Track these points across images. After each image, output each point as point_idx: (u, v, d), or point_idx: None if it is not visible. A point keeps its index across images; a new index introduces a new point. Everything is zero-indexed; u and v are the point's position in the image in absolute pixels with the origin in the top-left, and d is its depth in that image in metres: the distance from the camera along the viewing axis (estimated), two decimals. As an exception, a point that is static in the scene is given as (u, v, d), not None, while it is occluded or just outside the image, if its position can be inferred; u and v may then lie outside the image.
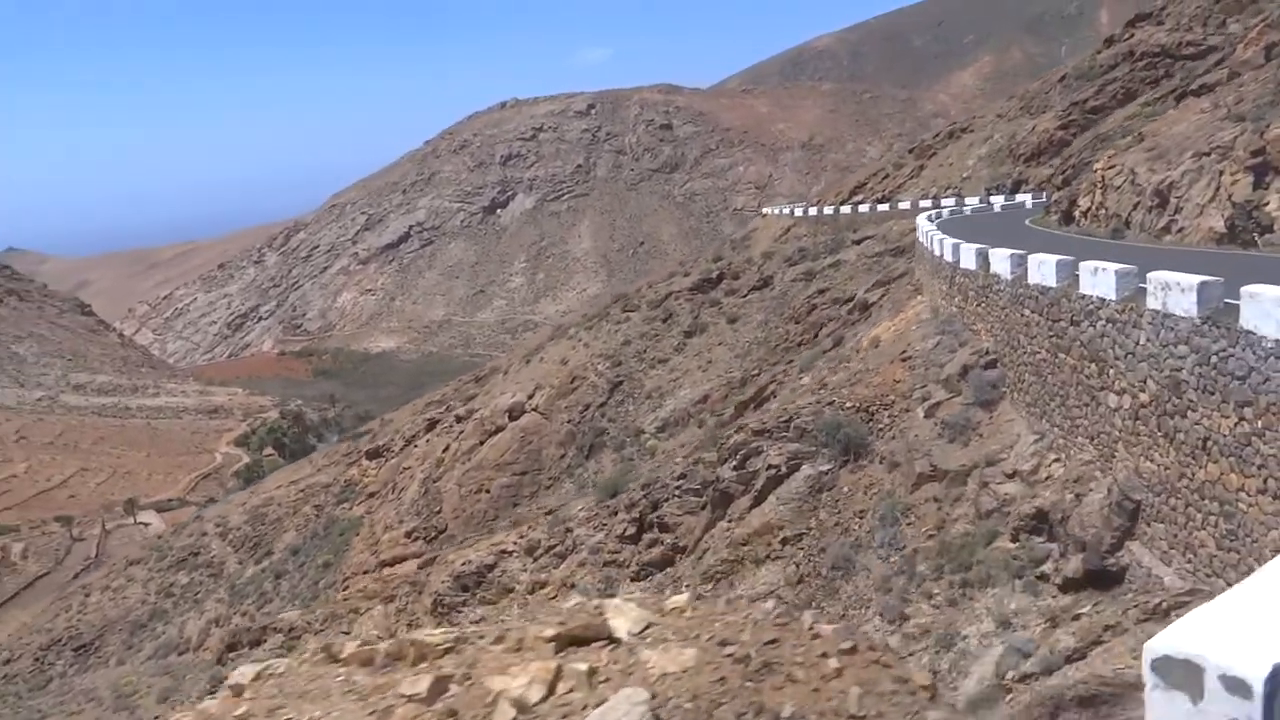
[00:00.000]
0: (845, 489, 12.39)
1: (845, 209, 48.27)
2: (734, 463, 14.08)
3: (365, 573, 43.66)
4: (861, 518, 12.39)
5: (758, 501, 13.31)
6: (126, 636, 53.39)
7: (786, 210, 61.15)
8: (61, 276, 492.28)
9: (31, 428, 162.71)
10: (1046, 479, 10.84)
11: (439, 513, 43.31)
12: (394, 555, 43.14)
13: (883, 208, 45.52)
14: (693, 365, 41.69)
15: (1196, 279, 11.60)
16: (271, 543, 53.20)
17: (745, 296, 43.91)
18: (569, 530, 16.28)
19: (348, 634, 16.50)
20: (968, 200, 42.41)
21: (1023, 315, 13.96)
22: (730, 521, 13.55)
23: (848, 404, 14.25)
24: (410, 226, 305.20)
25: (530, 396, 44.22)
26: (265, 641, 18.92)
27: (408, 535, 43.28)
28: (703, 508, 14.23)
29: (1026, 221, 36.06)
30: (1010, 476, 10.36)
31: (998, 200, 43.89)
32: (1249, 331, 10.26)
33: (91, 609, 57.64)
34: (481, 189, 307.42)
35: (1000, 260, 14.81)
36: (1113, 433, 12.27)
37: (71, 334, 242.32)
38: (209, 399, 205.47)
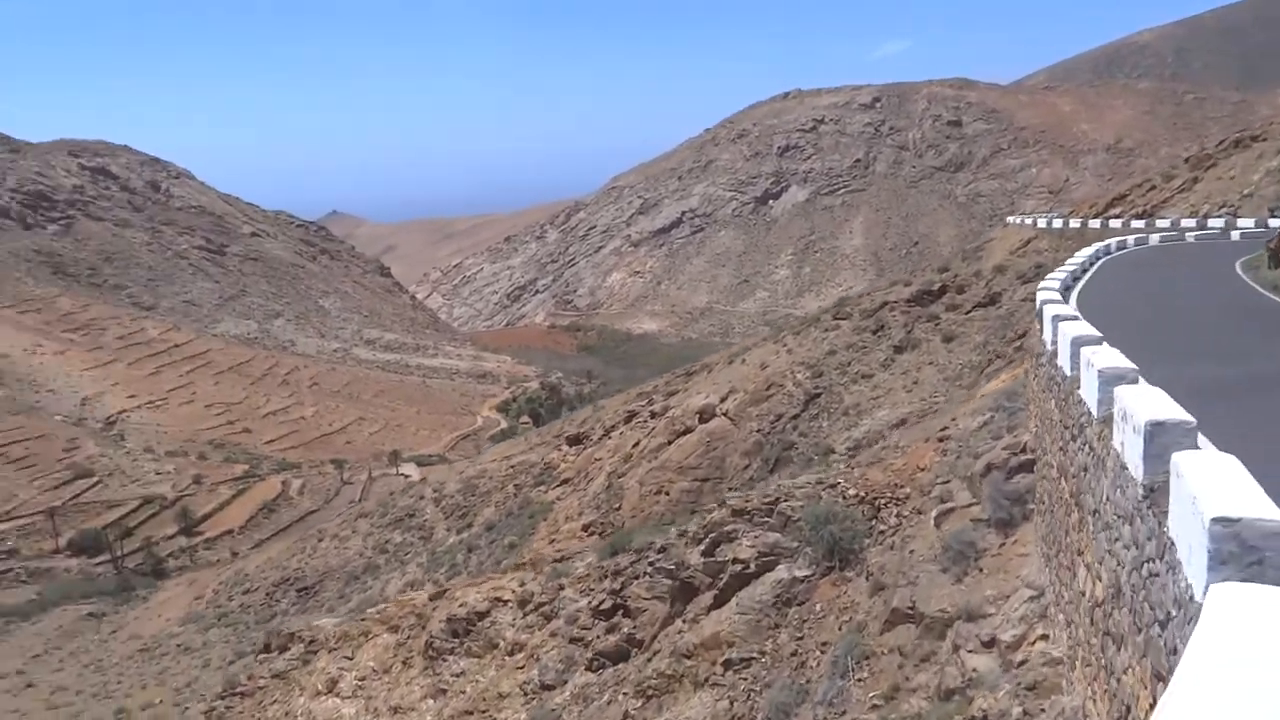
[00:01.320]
0: (818, 606, 9.74)
1: (1095, 223, 42.51)
2: (703, 547, 11.71)
3: (541, 559, 43.74)
4: (824, 651, 9.70)
5: (719, 602, 10.89)
6: (341, 586, 56.84)
7: (1029, 220, 55.18)
8: (372, 240, 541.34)
9: (324, 375, 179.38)
10: (1023, 663, 7.67)
11: (618, 509, 42.48)
12: (568, 549, 42.79)
13: (1138, 224, 39.54)
14: (897, 384, 38.21)
15: (1152, 410, 6.58)
16: (474, 515, 54.65)
17: (968, 313, 39.74)
18: (561, 588, 14.50)
19: (350, 659, 15.82)
20: (1240, 222, 35.84)
21: (1048, 407, 10.09)
22: (685, 622, 11.24)
23: (851, 490, 11.42)
24: (683, 212, 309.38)
25: (723, 400, 42.38)
26: (289, 650, 18.68)
27: (585, 529, 42.81)
28: (668, 596, 12.01)
29: (1237, 264, 25.41)
30: (988, 645, 7.44)
31: (1256, 224, 36.48)
32: (1171, 540, 5.62)
33: (319, 554, 62.08)
34: (756, 179, 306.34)
35: (1048, 319, 10.60)
36: (1079, 629, 7.85)
37: (370, 293, 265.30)
38: (480, 364, 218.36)
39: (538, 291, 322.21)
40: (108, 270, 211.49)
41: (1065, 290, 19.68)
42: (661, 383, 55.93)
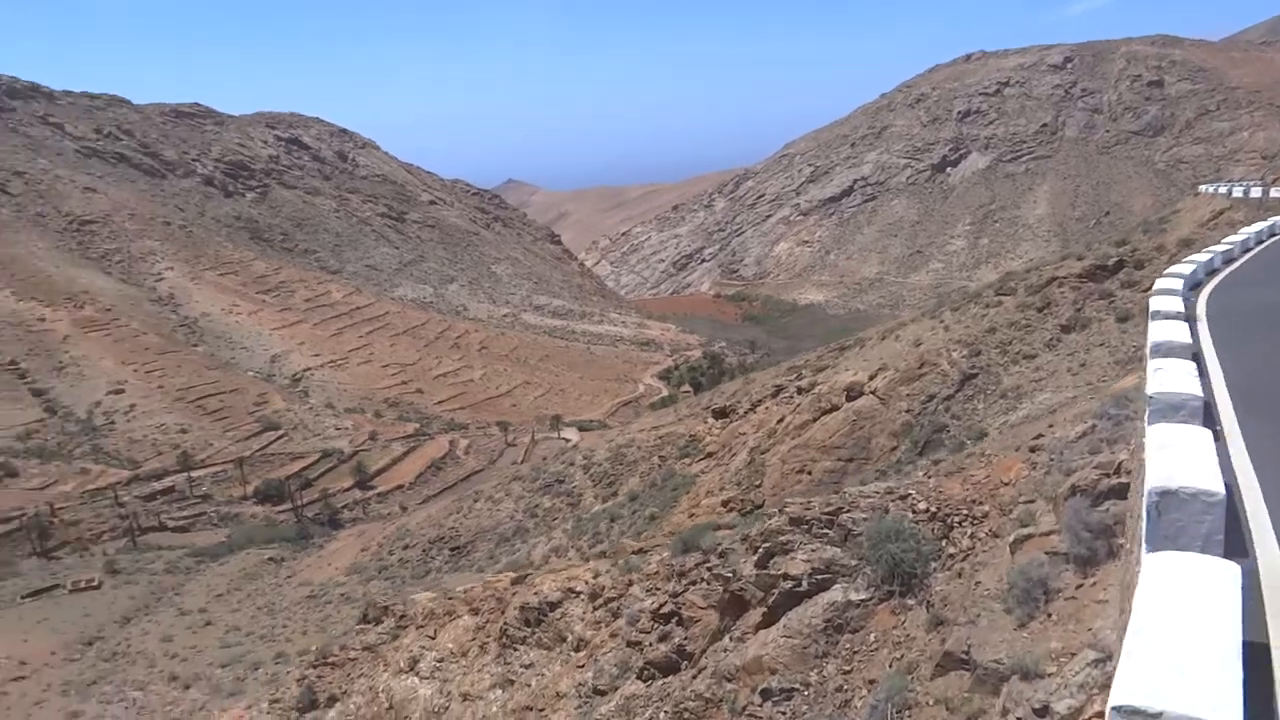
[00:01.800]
0: (872, 637, 8.37)
1: (1301, 193, 37.89)
2: (757, 557, 10.44)
3: (677, 533, 43.22)
4: (872, 689, 8.30)
5: (768, 621, 9.63)
6: (492, 547, 58.16)
7: (1223, 189, 49.85)
8: (546, 207, 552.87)
9: (493, 340, 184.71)
10: (1075, 744, 6.19)
11: (758, 487, 41.41)
12: (707, 524, 42.10)
13: (1356, 195, 34.92)
14: (1062, 366, 35.51)
15: (1166, 472, 5.61)
16: (620, 484, 54.70)
17: (1145, 291, 36.41)
18: (630, 584, 13.55)
19: (432, 639, 15.46)
20: None
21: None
22: (732, 640, 10.05)
23: (922, 504, 9.83)
24: (854, 181, 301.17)
25: (872, 377, 40.51)
26: (382, 623, 18.58)
27: (724, 505, 41.97)
28: (719, 608, 10.83)
29: None
30: (1040, 715, 6.04)
31: None
32: None
33: (474, 514, 63.76)
34: (932, 145, 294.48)
35: (1152, 319, 8.91)
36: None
37: (540, 260, 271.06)
38: (644, 331, 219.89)
39: (704, 260, 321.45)
40: (299, 235, 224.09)
41: (1202, 279, 17.08)
42: (813, 357, 54.24)
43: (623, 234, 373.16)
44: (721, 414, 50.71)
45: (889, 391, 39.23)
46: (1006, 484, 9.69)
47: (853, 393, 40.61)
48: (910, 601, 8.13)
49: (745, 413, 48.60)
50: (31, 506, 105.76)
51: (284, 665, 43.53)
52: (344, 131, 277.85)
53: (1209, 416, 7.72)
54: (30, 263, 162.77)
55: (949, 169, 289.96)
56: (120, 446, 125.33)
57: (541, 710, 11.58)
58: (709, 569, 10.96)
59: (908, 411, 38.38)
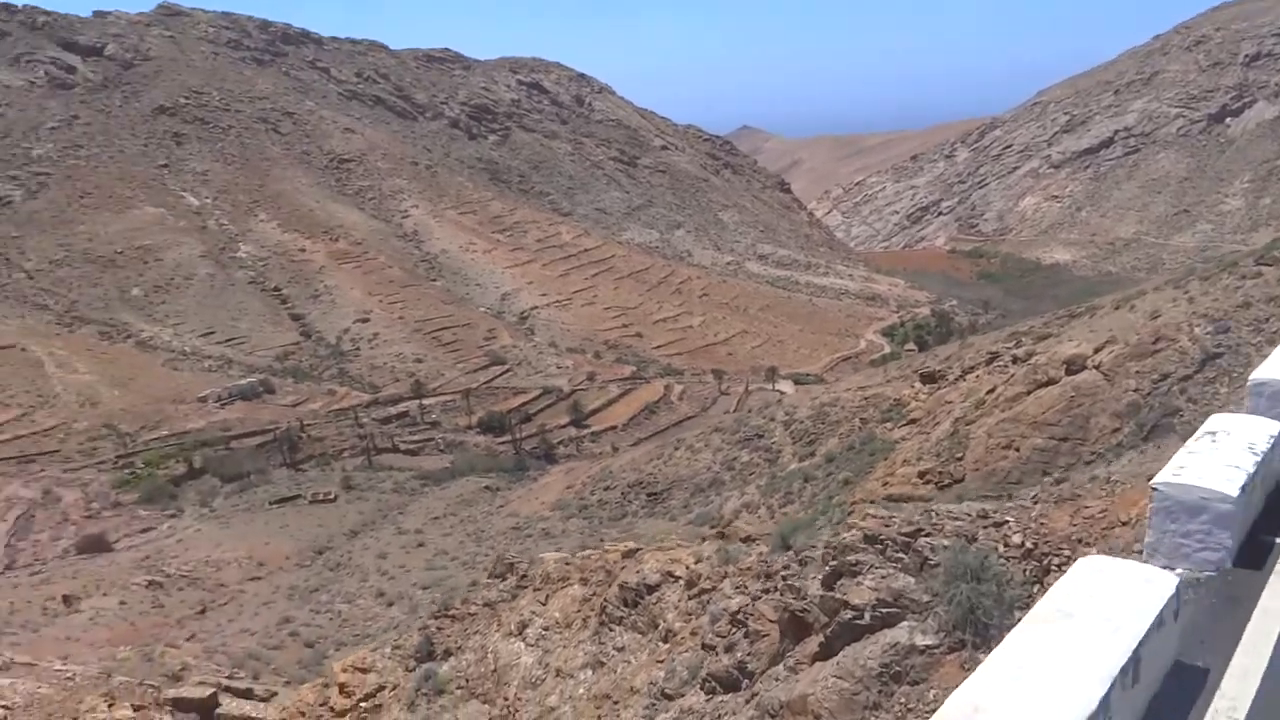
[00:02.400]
0: (932, 694, 6.70)
1: None
2: (824, 575, 8.77)
3: (871, 502, 41.21)
4: None
5: (824, 652, 8.06)
6: (687, 496, 58.15)
7: None
8: (778, 155, 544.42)
9: (714, 287, 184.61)
10: None
11: (959, 460, 38.75)
12: (900, 493, 39.91)
13: None
14: (1329, 351, 30.63)
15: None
16: (820, 443, 53.10)
17: None
18: (724, 576, 12.18)
19: (543, 605, 14.81)
20: None
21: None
22: (786, 668, 8.52)
23: (1016, 536, 7.79)
24: (1115, 131, 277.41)
25: (1097, 350, 36.73)
26: (506, 580, 18.11)
27: (920, 476, 39.57)
28: (781, 626, 9.26)
29: None
30: None
31: None
32: None
33: (673, 462, 63.98)
34: (1211, 93, 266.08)
35: None
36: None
37: (768, 208, 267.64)
38: (870, 285, 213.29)
39: (940, 213, 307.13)
40: (535, 178, 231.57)
41: None
42: (1038, 324, 50.18)
43: (856, 183, 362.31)
44: (930, 379, 47.96)
45: (1115, 367, 35.49)
46: (1125, 523, 7.88)
47: (1074, 366, 37.06)
48: (982, 656, 6.70)
49: (955, 379, 45.71)
50: (285, 421, 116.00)
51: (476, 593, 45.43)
52: (582, 76, 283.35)
53: None
54: (295, 198, 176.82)
55: (1229, 119, 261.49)
56: (363, 371, 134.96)
57: (615, 703, 10.92)
58: (785, 578, 9.76)
59: (1135, 390, 34.58)
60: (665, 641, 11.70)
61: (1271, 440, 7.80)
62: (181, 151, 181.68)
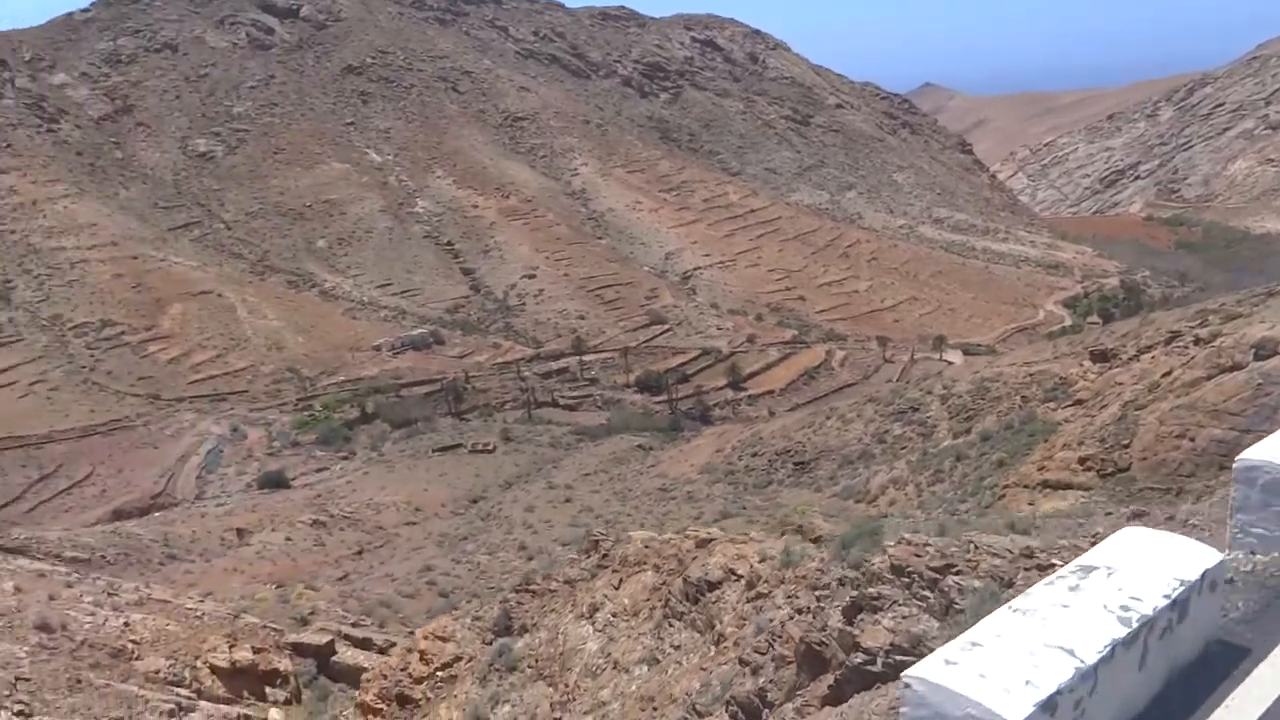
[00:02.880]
0: None
1: None
2: (844, 605, 7.37)
3: (1025, 487, 38.64)
4: None
5: (834, 697, 6.76)
6: (835, 468, 56.53)
7: None
8: (962, 113, 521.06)
9: (884, 251, 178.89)
10: None
11: (1125, 447, 35.76)
12: (1058, 479, 37.23)
13: None
14: None
15: None
16: (978, 420, 50.46)
17: None
18: (782, 580, 10.86)
19: (616, 589, 13.93)
20: None
21: None
22: (795, 710, 7.19)
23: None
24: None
25: (1294, 334, 33.04)
26: (590, 557, 17.25)
27: (1081, 462, 36.76)
28: (797, 657, 7.89)
29: None
30: None
31: None
32: None
33: (823, 431, 62.30)
34: None
35: None
36: None
37: (947, 170, 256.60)
38: (1053, 253, 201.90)
39: (1138, 177, 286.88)
40: (705, 136, 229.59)
41: None
42: (1230, 300, 45.75)
43: (1045, 144, 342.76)
44: (1101, 357, 44.50)
45: (1314, 353, 31.84)
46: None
47: (1263, 350, 33.48)
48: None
49: (1129, 359, 42.24)
50: (452, 372, 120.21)
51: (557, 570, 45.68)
52: (756, 33, 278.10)
53: None
54: (471, 155, 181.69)
55: None
56: (527, 326, 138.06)
57: (656, 709, 10.16)
58: (820, 598, 8.65)
59: (1336, 380, 30.97)
60: (716, 645, 10.89)
61: None
62: (367, 110, 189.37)
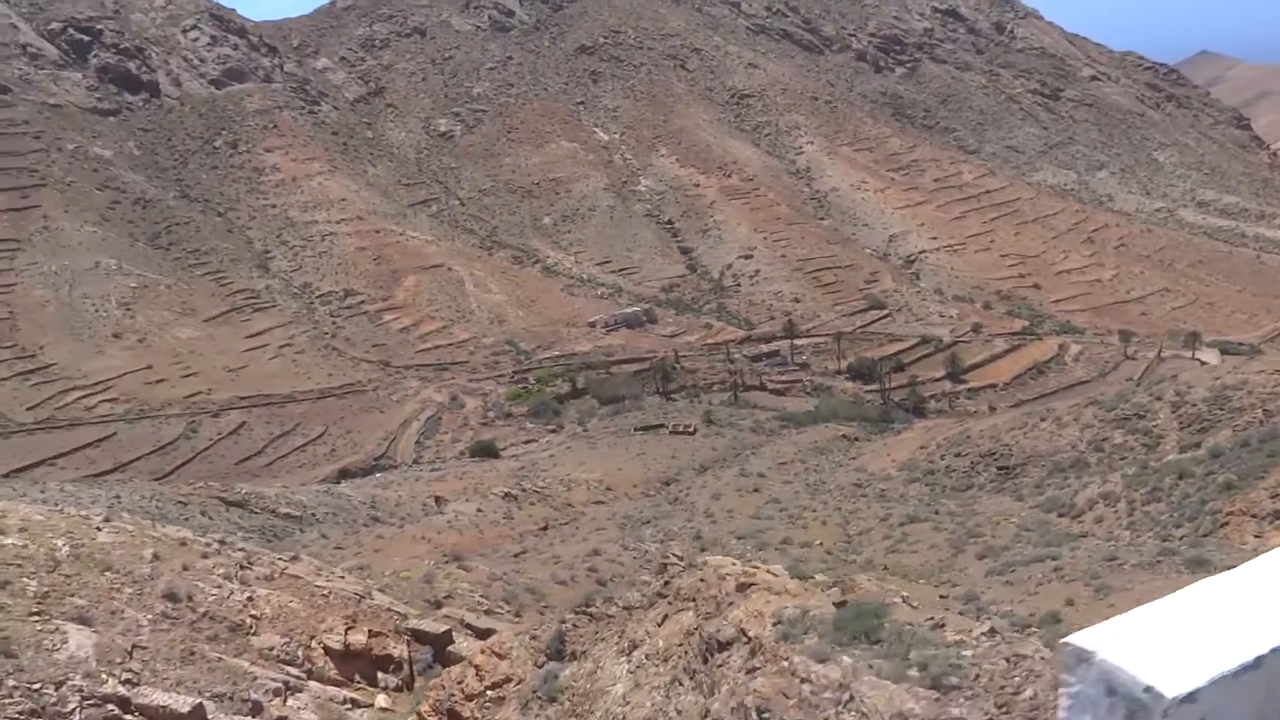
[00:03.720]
0: None
1: None
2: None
3: (1253, 516, 33.54)
4: None
5: None
6: (1043, 475, 51.87)
7: None
8: (1244, 85, 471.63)
9: (1135, 237, 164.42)
10: None
11: (1384, 479, 30.37)
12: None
13: None
14: None
15: None
16: (1213, 432, 44.80)
17: None
18: (774, 656, 8.58)
19: (658, 626, 12.01)
20: None
21: None
22: None
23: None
24: None
25: None
26: (652, 583, 15.31)
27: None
28: None
29: None
30: None
31: None
32: None
33: (1035, 433, 57.39)
34: None
35: None
36: None
37: (1218, 148, 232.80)
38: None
39: None
40: (941, 113, 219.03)
41: None
42: None
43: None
44: (1367, 370, 38.08)
45: None
46: None
47: None
48: None
49: (1404, 373, 35.81)
50: (662, 351, 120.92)
51: (778, 554, 43.80)
52: (1005, 0, 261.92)
53: None
54: (695, 133, 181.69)
55: None
56: (740, 307, 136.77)
57: None
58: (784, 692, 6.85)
59: None
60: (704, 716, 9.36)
61: None
62: (596, 89, 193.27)
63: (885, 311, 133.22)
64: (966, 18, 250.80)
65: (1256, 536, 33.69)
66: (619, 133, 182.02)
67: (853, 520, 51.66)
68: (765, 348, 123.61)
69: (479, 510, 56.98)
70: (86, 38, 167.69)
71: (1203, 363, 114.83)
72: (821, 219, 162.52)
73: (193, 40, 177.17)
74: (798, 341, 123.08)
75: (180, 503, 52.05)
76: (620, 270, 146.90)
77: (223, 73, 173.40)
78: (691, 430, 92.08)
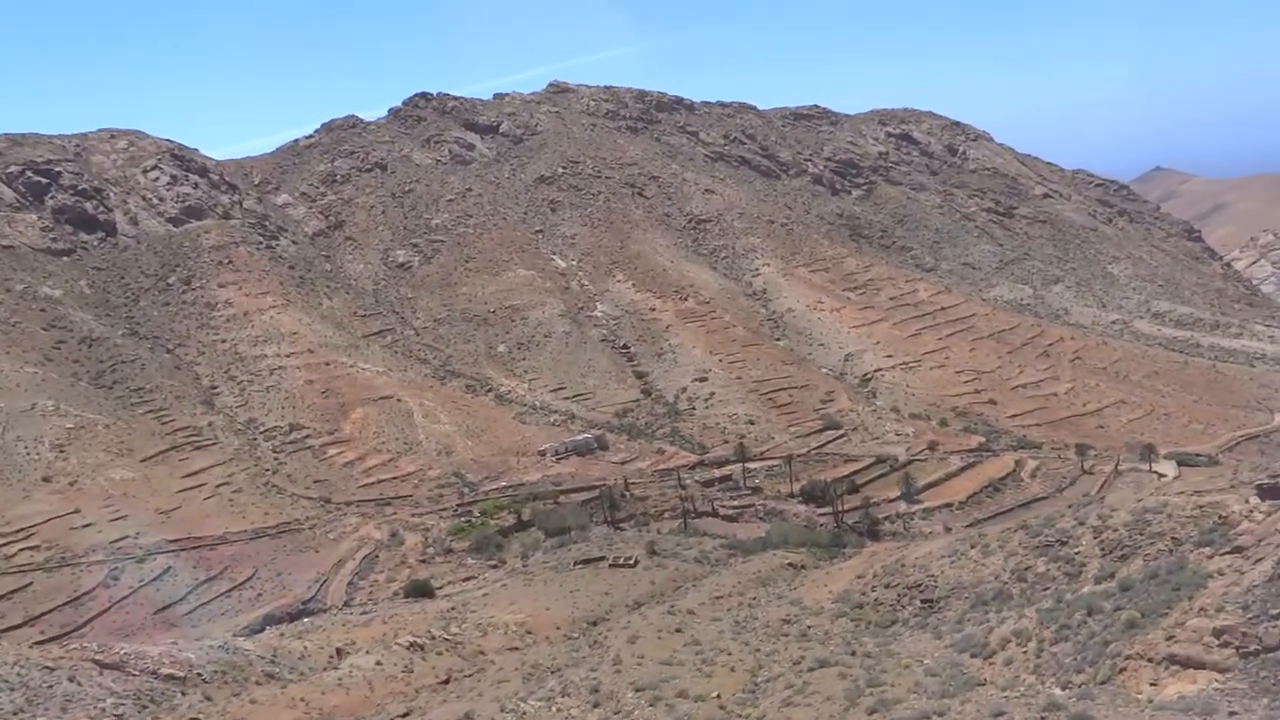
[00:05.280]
0: None
1: None
2: None
3: (1150, 660, 31.05)
4: None
5: None
6: (965, 609, 49.21)
7: None
8: (1198, 198, 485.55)
9: (1090, 350, 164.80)
10: None
11: (1277, 619, 28.17)
12: (1187, 655, 29.63)
13: None
14: None
15: None
16: (1131, 560, 42.63)
17: None
18: None
19: None
20: None
21: None
22: None
23: None
24: None
25: None
26: None
27: (1216, 635, 29.15)
28: None
29: None
30: None
31: None
32: None
33: (963, 562, 54.93)
34: None
35: None
36: None
37: (1171, 260, 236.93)
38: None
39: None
40: (898, 232, 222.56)
41: None
42: None
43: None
44: (1271, 492, 36.27)
45: None
46: None
47: None
48: None
49: (1306, 498, 33.99)
50: (612, 479, 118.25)
51: (665, 711, 40.70)
52: (956, 124, 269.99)
53: None
54: (652, 258, 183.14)
55: None
56: (694, 431, 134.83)
57: None
58: None
59: None
60: None
61: None
62: (555, 217, 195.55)
63: (841, 431, 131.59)
64: (920, 141, 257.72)
65: (1152, 684, 31.11)
66: (576, 259, 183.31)
67: (767, 664, 48.58)
68: (718, 472, 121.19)
69: (378, 663, 53.51)
70: (44, 180, 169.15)
71: (1160, 475, 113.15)
72: (778, 339, 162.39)
73: (153, 180, 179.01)
74: (750, 465, 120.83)
75: (48, 668, 48.48)
76: (574, 396, 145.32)
77: (181, 210, 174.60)
78: (633, 563, 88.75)
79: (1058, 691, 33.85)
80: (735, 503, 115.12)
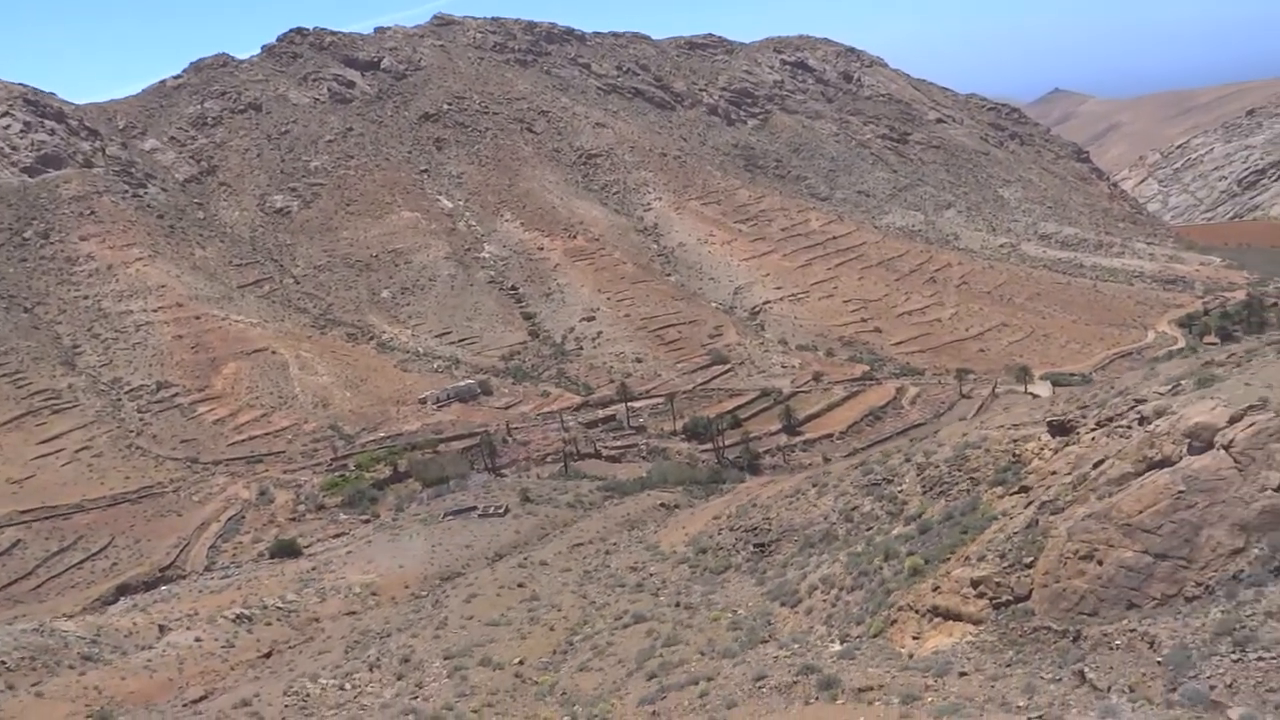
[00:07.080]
0: None
1: None
2: None
3: (917, 612, 30.42)
4: None
5: None
6: (794, 551, 48.72)
7: None
8: (1093, 119, 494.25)
9: (976, 274, 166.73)
10: None
11: (1029, 566, 27.55)
12: (947, 606, 29.02)
13: None
14: None
15: None
16: (948, 496, 42.15)
17: None
18: None
19: None
20: None
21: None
22: None
23: None
24: None
25: (1238, 418, 24.35)
26: None
27: (974, 585, 28.52)
28: None
29: None
30: None
31: None
32: None
33: (799, 503, 54.46)
34: None
35: None
36: None
37: (1060, 181, 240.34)
38: (1173, 267, 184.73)
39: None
40: (794, 161, 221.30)
41: None
42: (1221, 356, 36.31)
43: (1178, 146, 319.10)
44: (1061, 429, 35.78)
45: (1255, 449, 23.25)
46: None
47: (1197, 441, 24.96)
48: None
49: (1092, 431, 33.55)
50: (494, 425, 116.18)
51: (458, 681, 39.33)
52: (851, 51, 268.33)
53: None
54: (541, 196, 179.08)
55: None
56: (580, 372, 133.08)
57: None
58: None
59: (1277, 491, 22.42)
60: None
61: None
62: (441, 156, 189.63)
63: (728, 366, 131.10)
64: (815, 68, 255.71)
65: (915, 638, 30.46)
66: (463, 199, 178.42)
67: (592, 619, 47.58)
68: (602, 413, 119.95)
69: (197, 639, 51.10)
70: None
71: (1035, 396, 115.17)
72: (668, 275, 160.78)
73: (3, 128, 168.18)
74: (634, 404, 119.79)
75: None
76: (460, 341, 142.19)
77: (37, 159, 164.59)
78: (503, 511, 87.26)
79: (835, 646, 33.24)
80: (618, 443, 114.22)
